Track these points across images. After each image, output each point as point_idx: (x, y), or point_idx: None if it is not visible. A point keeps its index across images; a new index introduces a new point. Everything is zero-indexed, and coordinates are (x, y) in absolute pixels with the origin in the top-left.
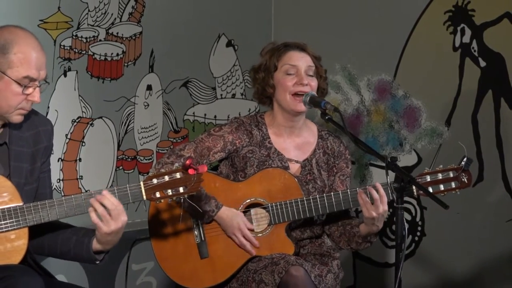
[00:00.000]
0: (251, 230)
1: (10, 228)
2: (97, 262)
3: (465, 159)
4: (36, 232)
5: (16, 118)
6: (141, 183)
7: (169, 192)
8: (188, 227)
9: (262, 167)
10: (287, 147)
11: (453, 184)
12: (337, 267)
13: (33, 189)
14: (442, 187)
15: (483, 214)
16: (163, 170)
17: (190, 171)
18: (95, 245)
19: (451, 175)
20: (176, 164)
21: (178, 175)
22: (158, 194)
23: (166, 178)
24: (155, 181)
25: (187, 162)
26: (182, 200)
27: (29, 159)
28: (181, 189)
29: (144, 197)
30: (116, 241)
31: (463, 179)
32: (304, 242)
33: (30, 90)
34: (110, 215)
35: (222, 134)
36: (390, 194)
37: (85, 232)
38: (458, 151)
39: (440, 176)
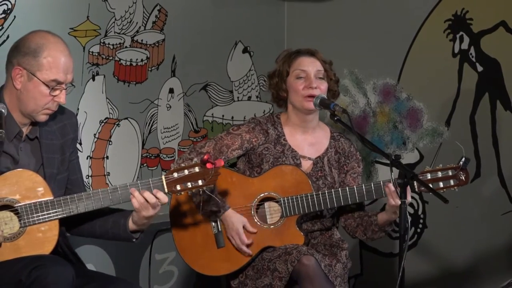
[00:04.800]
0: (264, 223)
1: (42, 221)
2: (134, 240)
3: (463, 159)
4: (74, 217)
5: (42, 117)
6: (163, 177)
7: (189, 185)
8: (207, 219)
9: (276, 163)
10: (301, 145)
11: (451, 182)
12: (345, 257)
13: (65, 177)
14: (441, 185)
15: (480, 208)
16: (183, 165)
17: (208, 165)
18: (131, 225)
19: (450, 173)
20: (195, 159)
21: (197, 169)
22: (178, 187)
23: (186, 172)
24: (175, 175)
25: (205, 157)
26: (201, 192)
27: (59, 150)
28: (199, 182)
29: (166, 189)
30: (149, 223)
31: (461, 177)
32: (315, 234)
33: (57, 92)
34: (149, 203)
35: (240, 133)
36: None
37: (120, 213)
38: (457, 150)
39: (440, 174)
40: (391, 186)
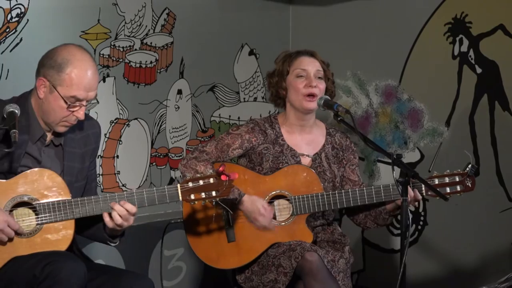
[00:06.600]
0: (274, 220)
1: (58, 219)
2: (112, 245)
3: (469, 166)
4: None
5: (60, 128)
6: (178, 185)
7: (203, 195)
8: (218, 214)
9: (277, 161)
10: (299, 143)
11: (458, 187)
12: (347, 252)
13: (82, 186)
14: (448, 190)
15: (479, 205)
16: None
17: (223, 177)
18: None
19: (457, 179)
20: (210, 171)
21: (211, 180)
22: (192, 196)
23: (201, 182)
24: (190, 184)
25: (220, 169)
26: (214, 203)
27: (80, 159)
28: (213, 193)
29: (180, 198)
30: (122, 229)
31: (467, 184)
32: (317, 229)
33: (76, 108)
34: (120, 216)
35: (240, 133)
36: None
37: (100, 218)
38: (456, 149)
39: (447, 179)
40: (410, 190)
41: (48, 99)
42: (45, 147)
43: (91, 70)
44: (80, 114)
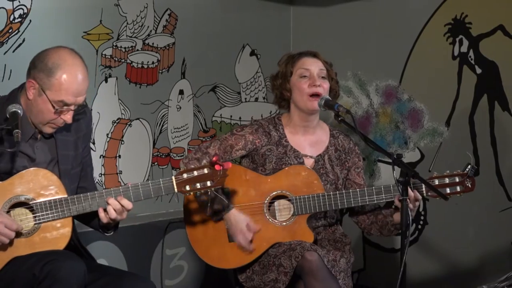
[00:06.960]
0: (275, 220)
1: (56, 217)
2: (107, 235)
3: (469, 167)
4: None
5: (47, 129)
6: (173, 177)
7: (198, 185)
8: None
9: (280, 163)
10: (302, 144)
11: (458, 188)
12: (348, 251)
13: (78, 172)
14: (448, 190)
15: (479, 205)
16: (191, 166)
17: (217, 167)
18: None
19: (457, 180)
20: (204, 161)
21: (205, 171)
22: (188, 187)
23: (195, 173)
24: (185, 175)
25: (214, 159)
26: (209, 193)
27: (73, 146)
28: (208, 183)
29: (176, 189)
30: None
31: (467, 184)
32: (319, 230)
33: (63, 112)
34: (115, 210)
35: (244, 134)
36: (397, 188)
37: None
38: (456, 149)
39: (447, 180)
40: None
41: (36, 101)
42: (38, 142)
43: (81, 76)
44: (68, 117)
